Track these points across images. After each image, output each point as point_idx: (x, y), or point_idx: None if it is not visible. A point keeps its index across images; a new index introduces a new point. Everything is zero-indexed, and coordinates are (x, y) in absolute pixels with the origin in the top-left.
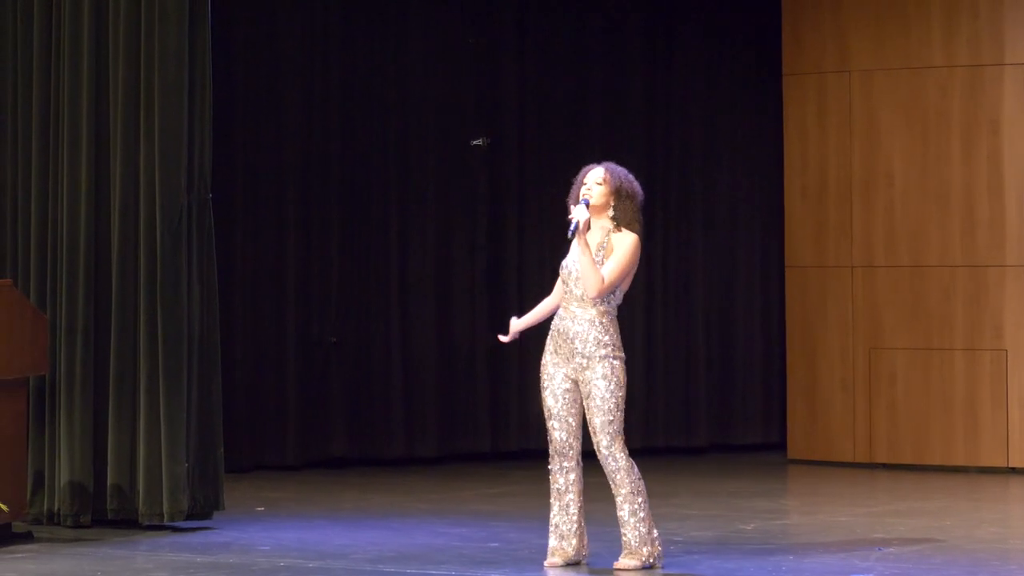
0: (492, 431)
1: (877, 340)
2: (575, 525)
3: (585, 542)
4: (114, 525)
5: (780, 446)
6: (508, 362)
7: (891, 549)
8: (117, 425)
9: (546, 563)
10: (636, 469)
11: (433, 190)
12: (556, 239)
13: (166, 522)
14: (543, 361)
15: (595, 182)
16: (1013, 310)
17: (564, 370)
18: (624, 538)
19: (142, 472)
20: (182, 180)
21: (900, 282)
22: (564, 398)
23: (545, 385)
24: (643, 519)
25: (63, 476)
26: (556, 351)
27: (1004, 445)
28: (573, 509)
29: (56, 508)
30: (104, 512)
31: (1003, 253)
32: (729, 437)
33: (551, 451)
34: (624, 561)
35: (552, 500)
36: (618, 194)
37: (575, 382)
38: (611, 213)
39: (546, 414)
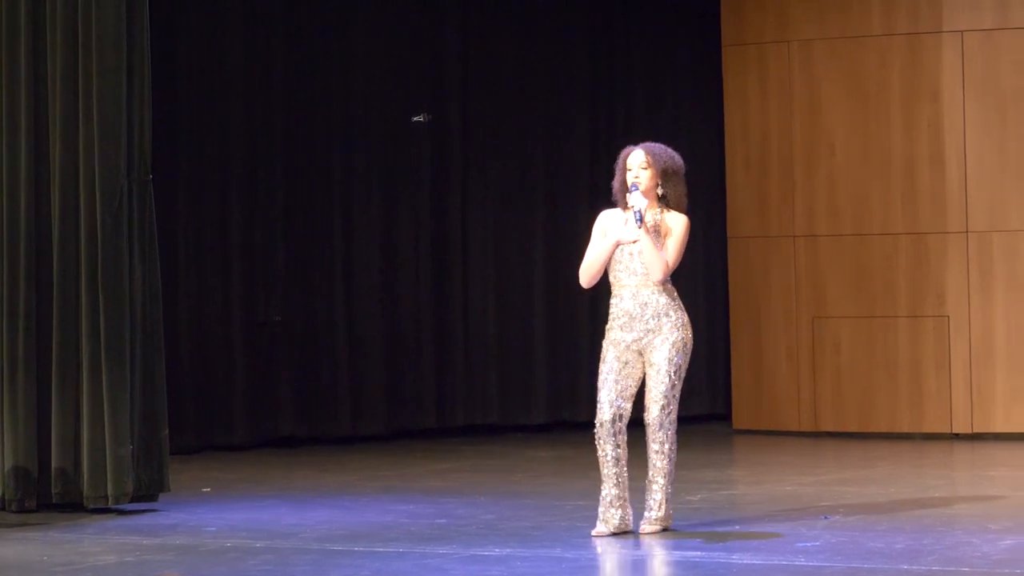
0: (438, 407)
1: (821, 309)
2: (622, 494)
3: (630, 511)
4: (60, 509)
5: (725, 417)
6: (453, 338)
7: (838, 517)
8: (60, 408)
9: (593, 532)
10: (676, 441)
11: (377, 167)
12: (500, 214)
13: (111, 505)
14: (607, 337)
15: (640, 167)
16: (955, 277)
17: (628, 344)
18: (652, 503)
19: (86, 455)
20: (122, 162)
21: (843, 251)
22: (622, 371)
23: (604, 358)
24: (671, 487)
25: (7, 461)
26: (621, 327)
27: (948, 412)
28: (621, 479)
29: (1, 493)
30: (49, 496)
31: (944, 220)
32: None
33: (597, 422)
34: (648, 526)
35: (601, 471)
36: (665, 175)
37: (638, 353)
38: (660, 193)
39: (599, 384)
